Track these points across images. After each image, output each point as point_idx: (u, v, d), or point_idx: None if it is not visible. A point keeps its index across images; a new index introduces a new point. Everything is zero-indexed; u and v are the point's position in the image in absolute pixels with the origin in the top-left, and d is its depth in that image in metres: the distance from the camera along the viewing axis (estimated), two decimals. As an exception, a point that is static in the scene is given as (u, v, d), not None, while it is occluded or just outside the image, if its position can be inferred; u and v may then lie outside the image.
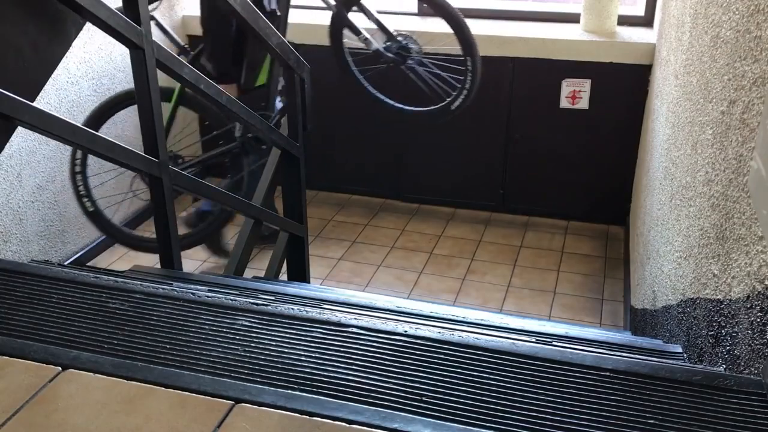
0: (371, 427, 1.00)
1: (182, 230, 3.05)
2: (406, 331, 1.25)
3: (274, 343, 1.22)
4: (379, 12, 4.22)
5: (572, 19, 3.92)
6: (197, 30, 4.25)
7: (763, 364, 1.08)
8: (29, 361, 1.14)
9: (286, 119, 2.88)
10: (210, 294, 1.39)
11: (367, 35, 3.39)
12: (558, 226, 3.99)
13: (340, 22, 3.42)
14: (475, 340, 1.23)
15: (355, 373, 1.14)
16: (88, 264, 3.55)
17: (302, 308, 1.35)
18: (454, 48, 3.24)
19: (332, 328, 1.26)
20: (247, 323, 1.28)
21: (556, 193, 3.98)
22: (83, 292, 1.37)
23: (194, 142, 3.76)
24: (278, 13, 3.29)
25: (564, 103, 3.79)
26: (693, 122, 1.82)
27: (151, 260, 3.46)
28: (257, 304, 1.34)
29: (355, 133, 4.16)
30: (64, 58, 1.99)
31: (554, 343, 1.49)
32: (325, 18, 4.13)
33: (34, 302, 1.33)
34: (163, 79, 2.00)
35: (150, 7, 2.03)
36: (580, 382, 1.12)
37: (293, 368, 1.15)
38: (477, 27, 3.84)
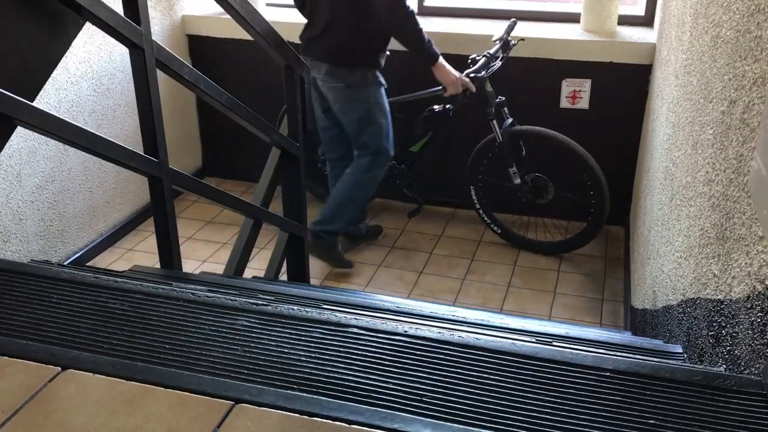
0: (371, 428, 1.00)
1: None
2: (406, 331, 1.25)
3: (274, 343, 1.21)
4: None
5: (572, 19, 3.92)
6: (197, 30, 4.26)
7: (763, 365, 1.08)
8: (29, 361, 1.14)
9: (286, 119, 2.88)
10: (210, 294, 1.39)
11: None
12: (558, 226, 3.99)
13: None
14: (475, 340, 1.23)
15: (354, 374, 1.13)
16: (88, 264, 3.55)
17: (302, 308, 1.35)
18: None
19: (332, 328, 1.26)
20: (247, 323, 1.28)
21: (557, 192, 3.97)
22: (83, 292, 1.37)
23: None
24: None
25: (564, 103, 3.79)
26: (693, 122, 1.82)
27: (151, 260, 3.47)
28: (257, 305, 1.34)
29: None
30: (64, 58, 1.99)
31: (554, 343, 1.49)
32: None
33: (34, 302, 1.33)
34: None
35: None
36: (580, 383, 1.12)
37: (293, 368, 1.14)
38: (477, 27, 3.85)
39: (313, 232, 3.47)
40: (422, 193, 3.92)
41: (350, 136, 3.51)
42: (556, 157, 3.55)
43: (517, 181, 3.62)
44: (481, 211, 3.82)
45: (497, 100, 3.53)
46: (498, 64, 3.47)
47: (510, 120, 3.55)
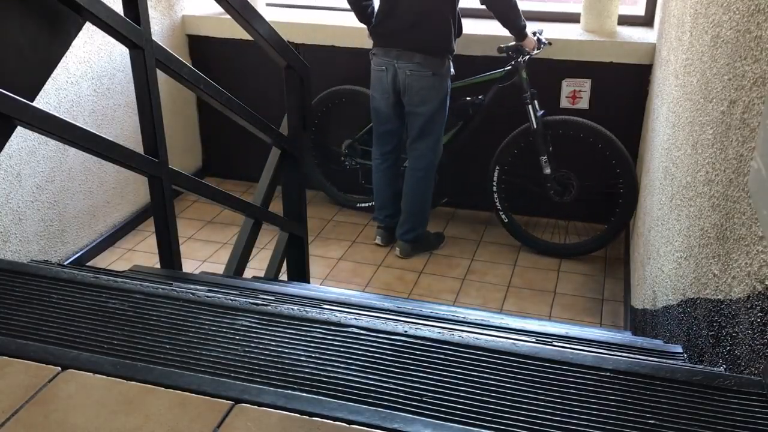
0: (371, 428, 1.00)
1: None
2: (406, 331, 1.25)
3: (274, 343, 1.21)
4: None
5: (572, 19, 3.92)
6: (197, 30, 4.26)
7: (763, 364, 1.08)
8: (29, 361, 1.14)
9: (286, 118, 2.88)
10: (210, 294, 1.39)
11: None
12: (558, 226, 3.99)
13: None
14: (475, 340, 1.23)
15: (354, 373, 1.13)
16: (88, 264, 3.55)
17: (302, 308, 1.35)
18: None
19: (332, 328, 1.26)
20: (247, 323, 1.28)
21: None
22: (83, 292, 1.37)
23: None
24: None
25: (564, 103, 3.78)
26: (693, 122, 1.82)
27: (151, 260, 3.47)
28: (257, 304, 1.34)
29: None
30: (64, 58, 1.99)
31: (554, 343, 1.49)
32: (324, 18, 4.13)
33: (34, 302, 1.33)
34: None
35: None
36: (580, 383, 1.12)
37: (293, 368, 1.14)
38: (477, 27, 3.84)
39: (406, 241, 3.76)
40: (442, 185, 3.92)
41: (418, 125, 3.53)
42: (583, 155, 3.57)
43: (548, 170, 3.62)
44: (496, 196, 3.78)
45: (531, 90, 3.57)
46: (531, 54, 3.52)
47: (542, 111, 3.58)
